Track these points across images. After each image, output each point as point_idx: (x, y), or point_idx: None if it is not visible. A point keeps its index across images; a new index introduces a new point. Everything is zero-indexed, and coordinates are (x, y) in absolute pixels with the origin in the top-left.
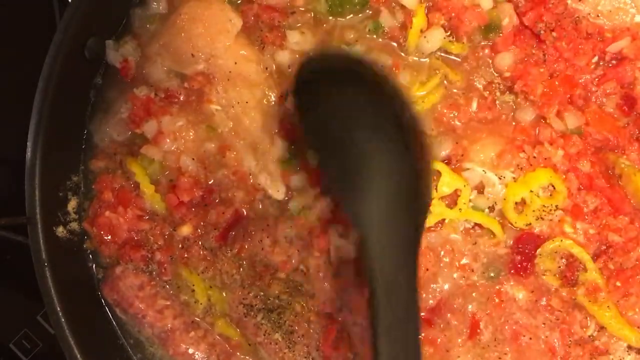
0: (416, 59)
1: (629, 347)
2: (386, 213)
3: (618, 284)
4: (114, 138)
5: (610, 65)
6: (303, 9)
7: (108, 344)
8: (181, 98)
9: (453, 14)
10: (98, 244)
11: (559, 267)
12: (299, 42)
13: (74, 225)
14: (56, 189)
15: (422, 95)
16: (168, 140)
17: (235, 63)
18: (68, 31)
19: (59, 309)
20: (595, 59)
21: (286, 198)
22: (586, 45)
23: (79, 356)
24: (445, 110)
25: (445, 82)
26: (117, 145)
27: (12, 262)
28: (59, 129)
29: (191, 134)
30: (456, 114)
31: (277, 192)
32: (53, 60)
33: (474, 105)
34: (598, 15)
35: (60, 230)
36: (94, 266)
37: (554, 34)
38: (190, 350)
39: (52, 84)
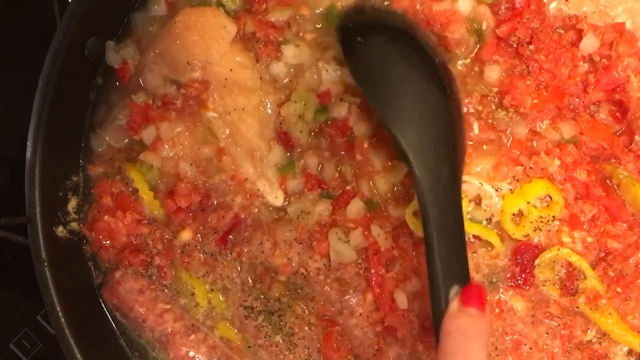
0: None
1: (629, 352)
2: (434, 145)
3: (618, 289)
4: (112, 145)
5: (601, 69)
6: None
7: (108, 344)
8: (178, 104)
9: (440, 25)
10: (97, 248)
11: (558, 276)
12: (295, 55)
13: (74, 225)
14: (56, 189)
15: None
16: (166, 147)
17: (231, 70)
18: (68, 31)
19: (59, 309)
20: (586, 67)
21: (285, 203)
22: (566, 55)
23: (79, 356)
24: None
25: None
26: (115, 152)
27: (12, 262)
28: (59, 129)
29: (188, 140)
30: None
31: (276, 199)
32: (53, 60)
33: (476, 128)
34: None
35: (60, 230)
36: (92, 267)
37: (531, 47)
38: (191, 354)
39: (52, 84)
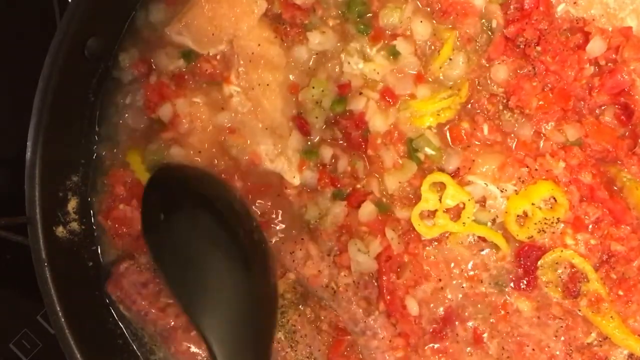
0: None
1: (630, 356)
2: (231, 332)
3: (620, 292)
4: (131, 127)
5: (606, 73)
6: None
7: (108, 344)
8: (192, 80)
9: (457, 15)
10: (112, 236)
11: (561, 278)
12: (321, 42)
13: (74, 225)
14: (56, 189)
15: (438, 110)
16: (184, 121)
17: (259, 45)
18: (68, 31)
19: (59, 309)
20: (592, 69)
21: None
22: (572, 57)
23: (78, 356)
24: (455, 122)
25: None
26: (135, 135)
27: (12, 262)
28: (59, 129)
29: (205, 115)
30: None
31: (294, 179)
32: (53, 60)
33: (485, 130)
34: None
35: (60, 230)
36: (93, 266)
37: (538, 48)
38: (192, 349)
39: (52, 84)
